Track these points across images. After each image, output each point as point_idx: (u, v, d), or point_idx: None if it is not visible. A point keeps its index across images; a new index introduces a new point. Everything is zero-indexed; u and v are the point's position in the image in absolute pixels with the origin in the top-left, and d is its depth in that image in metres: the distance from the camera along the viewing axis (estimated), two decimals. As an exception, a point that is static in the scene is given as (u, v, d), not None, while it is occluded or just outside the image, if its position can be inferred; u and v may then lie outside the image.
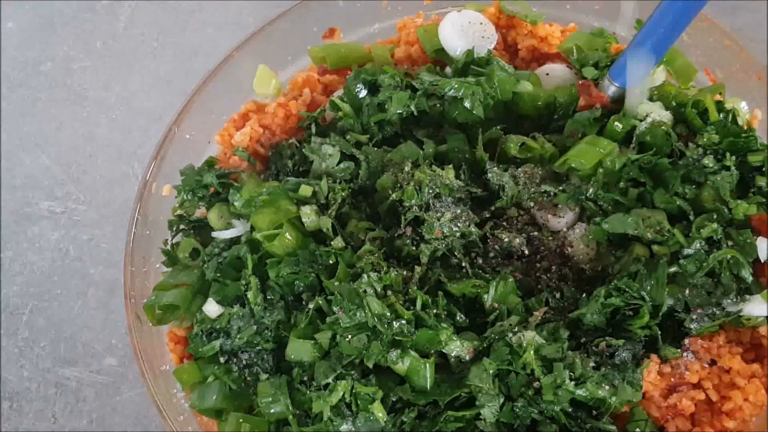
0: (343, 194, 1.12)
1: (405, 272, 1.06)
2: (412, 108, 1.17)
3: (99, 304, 1.55)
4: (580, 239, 1.09)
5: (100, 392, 1.47)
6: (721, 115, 1.11)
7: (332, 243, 1.07)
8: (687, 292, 1.02)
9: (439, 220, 1.07)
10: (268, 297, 1.09)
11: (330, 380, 1.00)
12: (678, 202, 1.07)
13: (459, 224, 1.07)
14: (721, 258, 1.01)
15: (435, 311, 1.00)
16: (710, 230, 1.02)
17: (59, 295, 1.56)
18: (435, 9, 1.35)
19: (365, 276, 1.01)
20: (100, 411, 1.46)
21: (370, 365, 0.99)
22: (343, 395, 0.98)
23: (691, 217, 1.06)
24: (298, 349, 1.02)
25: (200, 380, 1.12)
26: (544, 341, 0.98)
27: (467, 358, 1.00)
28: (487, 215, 1.13)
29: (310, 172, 1.18)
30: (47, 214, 1.64)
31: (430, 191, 1.08)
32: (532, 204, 1.13)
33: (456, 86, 1.14)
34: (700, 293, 1.02)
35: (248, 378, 1.09)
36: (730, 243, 1.03)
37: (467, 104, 1.14)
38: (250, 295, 1.08)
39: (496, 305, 1.04)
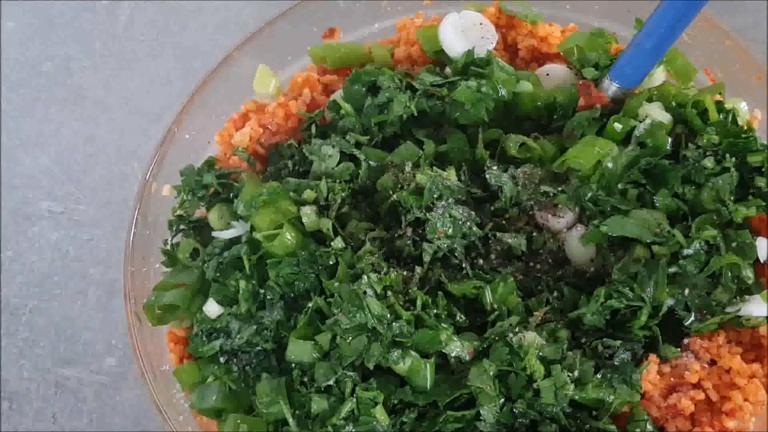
0: (343, 194, 1.12)
1: (405, 273, 1.06)
2: (412, 108, 1.17)
3: (99, 304, 1.55)
4: (580, 240, 1.09)
5: (100, 392, 1.48)
6: (721, 116, 1.11)
7: (332, 244, 1.07)
8: (687, 292, 1.02)
9: (440, 220, 1.07)
10: (268, 297, 1.09)
11: (331, 382, 1.00)
12: (678, 204, 1.07)
13: (460, 225, 1.07)
14: (722, 264, 1.01)
15: (435, 311, 1.00)
16: (709, 235, 1.02)
17: (59, 295, 1.56)
18: (435, 9, 1.35)
19: (365, 277, 1.01)
20: (100, 411, 1.46)
21: (371, 366, 0.99)
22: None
23: (690, 219, 1.06)
24: (298, 350, 1.02)
25: (200, 380, 1.12)
26: (544, 342, 0.98)
27: (467, 358, 1.00)
28: (488, 216, 1.13)
29: (310, 172, 1.18)
30: (47, 214, 1.64)
31: (432, 193, 1.08)
32: (532, 204, 1.13)
33: (466, 94, 1.14)
34: (700, 293, 1.02)
35: (248, 378, 1.09)
36: (730, 244, 1.03)
37: (473, 110, 1.15)
38: (241, 302, 1.08)
39: (496, 306, 1.04)
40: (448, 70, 1.23)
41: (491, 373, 0.97)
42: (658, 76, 1.19)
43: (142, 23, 1.82)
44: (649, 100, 1.14)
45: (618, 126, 1.11)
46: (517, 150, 1.14)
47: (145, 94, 1.74)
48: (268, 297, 1.09)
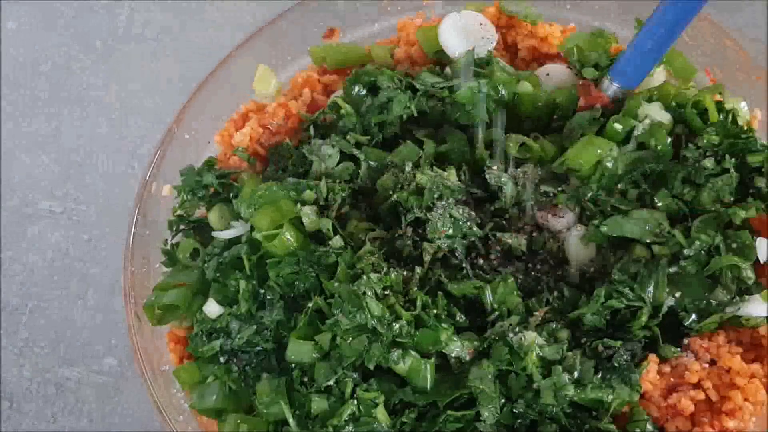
0: (343, 194, 1.12)
1: (405, 273, 1.06)
2: (412, 108, 1.17)
3: (99, 304, 1.55)
4: (580, 240, 1.09)
5: (100, 392, 1.48)
6: (721, 116, 1.11)
7: (330, 243, 1.07)
8: (687, 292, 1.02)
9: (441, 220, 1.07)
10: (268, 297, 1.09)
11: (331, 382, 1.00)
12: (678, 204, 1.07)
13: (461, 225, 1.07)
14: (722, 266, 1.01)
15: (435, 312, 1.00)
16: (709, 236, 1.02)
17: (59, 295, 1.56)
18: (435, 9, 1.35)
19: (365, 277, 1.01)
20: (100, 411, 1.46)
21: (371, 367, 0.99)
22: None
23: (690, 219, 1.06)
24: (298, 350, 1.02)
25: (200, 380, 1.12)
26: (544, 342, 0.98)
27: (467, 358, 1.01)
28: (488, 216, 1.13)
29: (309, 172, 1.18)
30: (47, 214, 1.64)
31: (432, 193, 1.08)
32: (532, 204, 1.13)
33: (467, 95, 1.14)
34: (700, 293, 1.02)
35: (248, 378, 1.09)
36: (731, 245, 1.03)
37: (474, 110, 1.15)
38: (241, 302, 1.08)
39: (496, 306, 1.04)
40: (448, 70, 1.23)
41: (491, 374, 0.97)
42: (658, 76, 1.19)
43: (142, 23, 1.82)
44: (649, 100, 1.14)
45: (618, 126, 1.12)
46: (516, 150, 1.14)
47: (145, 94, 1.74)
48: (268, 297, 1.09)
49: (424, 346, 1.00)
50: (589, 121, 1.14)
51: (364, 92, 1.21)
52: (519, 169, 1.13)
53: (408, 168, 1.12)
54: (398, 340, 0.99)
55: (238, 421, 1.05)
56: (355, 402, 0.98)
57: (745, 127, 1.11)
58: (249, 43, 1.32)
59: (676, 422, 0.99)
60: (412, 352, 0.99)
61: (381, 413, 0.97)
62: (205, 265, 1.14)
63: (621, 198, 1.09)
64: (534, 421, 0.99)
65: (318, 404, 1.00)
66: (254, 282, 1.09)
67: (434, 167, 1.12)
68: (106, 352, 1.51)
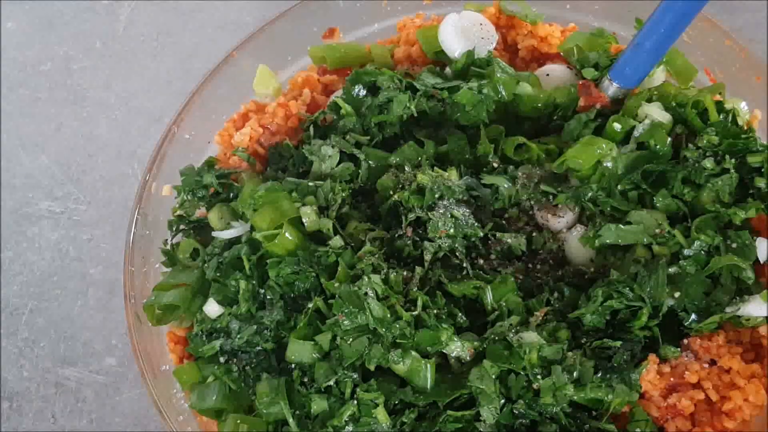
0: (343, 195, 1.12)
1: (405, 273, 1.06)
2: (412, 109, 1.17)
3: (99, 304, 1.55)
4: (580, 240, 1.09)
5: (100, 392, 1.48)
6: (721, 116, 1.11)
7: (330, 243, 1.07)
8: (687, 292, 1.02)
9: (442, 219, 1.07)
10: (268, 297, 1.09)
11: (331, 382, 1.00)
12: (678, 204, 1.07)
13: (462, 225, 1.07)
14: (721, 265, 1.01)
15: (435, 311, 1.00)
16: (708, 236, 1.02)
17: (59, 295, 1.56)
18: (435, 9, 1.35)
19: (365, 278, 1.01)
20: (100, 411, 1.46)
21: (372, 368, 0.99)
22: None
23: (690, 220, 1.06)
24: (298, 351, 1.02)
25: (200, 380, 1.12)
26: (544, 342, 0.98)
27: (467, 358, 1.00)
28: (488, 216, 1.13)
29: (309, 172, 1.18)
30: (47, 214, 1.64)
31: (433, 193, 1.08)
32: (532, 204, 1.13)
33: (467, 96, 1.14)
34: (700, 293, 1.02)
35: (248, 378, 1.09)
36: (731, 245, 1.03)
37: (474, 111, 1.15)
38: (241, 302, 1.08)
39: (496, 306, 1.04)
40: (448, 70, 1.23)
41: (492, 375, 0.96)
42: (658, 76, 1.19)
43: (142, 23, 1.82)
44: (649, 100, 1.14)
45: (617, 126, 1.12)
46: (513, 152, 1.14)
47: (145, 94, 1.74)
48: (268, 297, 1.09)
49: (424, 346, 1.00)
50: (585, 123, 1.14)
51: (364, 92, 1.21)
52: (519, 170, 1.13)
53: (408, 168, 1.12)
54: (398, 340, 0.99)
55: (238, 421, 1.05)
56: (355, 402, 0.98)
57: (745, 127, 1.11)
58: (249, 43, 1.32)
59: (676, 422, 0.99)
60: (413, 353, 0.99)
61: (381, 413, 0.97)
62: (205, 265, 1.14)
63: (621, 198, 1.09)
64: (534, 421, 0.99)
65: (318, 404, 1.00)
66: (254, 282, 1.10)
67: (434, 167, 1.12)
68: (106, 352, 1.51)
